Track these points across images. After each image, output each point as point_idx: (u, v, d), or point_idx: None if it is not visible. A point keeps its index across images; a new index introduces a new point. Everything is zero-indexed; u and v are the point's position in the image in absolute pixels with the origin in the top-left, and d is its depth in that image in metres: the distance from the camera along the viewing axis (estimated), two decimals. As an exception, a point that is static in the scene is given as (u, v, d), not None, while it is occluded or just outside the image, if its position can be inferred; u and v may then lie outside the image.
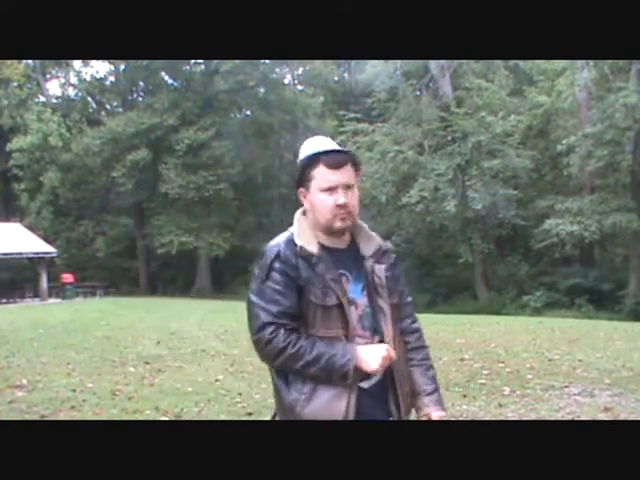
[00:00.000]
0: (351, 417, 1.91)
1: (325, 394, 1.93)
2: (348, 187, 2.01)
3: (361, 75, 31.65)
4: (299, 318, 1.98)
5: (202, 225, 33.50)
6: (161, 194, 33.22)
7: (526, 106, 28.28)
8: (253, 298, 2.02)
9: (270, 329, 1.94)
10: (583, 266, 26.48)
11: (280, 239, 2.05)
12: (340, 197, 1.99)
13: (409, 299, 2.24)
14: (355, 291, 2.06)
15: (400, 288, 2.18)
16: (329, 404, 1.92)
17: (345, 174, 2.01)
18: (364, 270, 2.07)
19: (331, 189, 1.99)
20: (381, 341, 2.05)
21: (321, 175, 2.00)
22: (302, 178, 2.06)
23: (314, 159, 2.02)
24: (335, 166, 1.99)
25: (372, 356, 1.94)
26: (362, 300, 2.06)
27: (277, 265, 1.98)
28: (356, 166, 2.06)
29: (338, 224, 2.01)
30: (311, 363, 1.91)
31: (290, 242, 2.02)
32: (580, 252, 27.19)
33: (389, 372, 2.05)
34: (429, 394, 2.12)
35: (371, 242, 2.14)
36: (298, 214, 2.12)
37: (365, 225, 2.17)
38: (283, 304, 1.96)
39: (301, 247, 1.99)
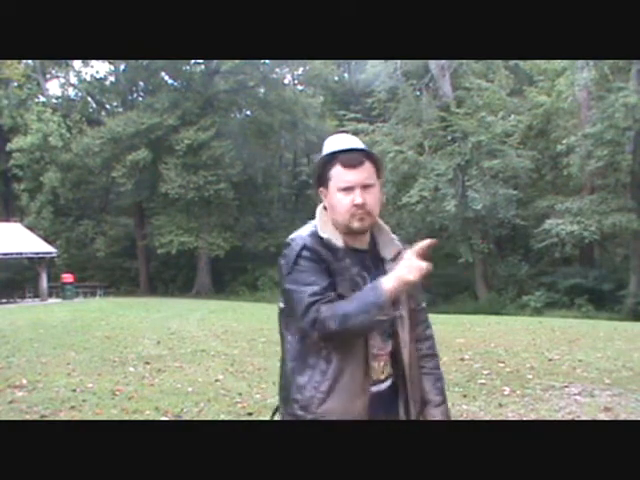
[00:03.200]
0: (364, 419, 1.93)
1: (343, 394, 1.92)
2: (366, 186, 1.96)
3: (361, 75, 31.64)
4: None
5: (202, 225, 33.53)
6: (161, 194, 33.24)
7: (526, 106, 28.27)
8: (289, 286, 1.94)
9: (314, 307, 1.87)
10: (583, 266, 26.47)
11: (303, 232, 2.02)
12: (357, 197, 1.95)
13: (423, 304, 2.22)
14: None
15: (417, 293, 2.17)
16: (345, 405, 1.92)
17: (362, 173, 1.96)
18: (383, 273, 1.98)
19: (348, 189, 1.95)
20: (395, 348, 2.05)
21: (338, 175, 1.97)
22: (321, 177, 2.03)
23: (331, 158, 1.99)
24: (351, 165, 1.96)
25: (408, 267, 1.85)
26: None
27: (305, 253, 1.94)
28: (376, 164, 2.01)
29: (356, 224, 1.97)
30: (350, 312, 1.84)
31: (314, 235, 1.99)
32: (580, 252, 27.19)
33: (401, 377, 2.06)
34: (437, 405, 2.13)
35: (392, 245, 2.10)
36: (320, 208, 2.08)
37: (386, 227, 2.12)
38: (320, 284, 1.90)
39: (327, 239, 1.97)
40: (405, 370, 2.05)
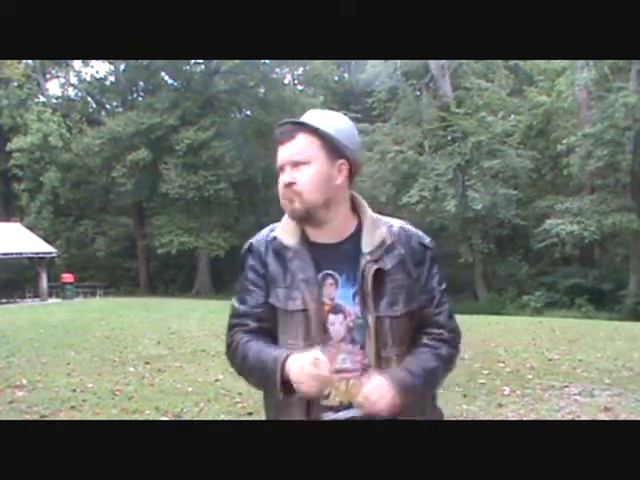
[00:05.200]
0: None
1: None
2: (297, 163, 1.63)
3: (361, 75, 31.67)
4: (269, 319, 1.70)
5: (202, 225, 33.57)
6: (161, 194, 33.31)
7: (526, 106, 28.32)
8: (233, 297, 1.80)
9: (232, 332, 1.73)
10: (583, 266, 26.51)
11: (265, 230, 1.79)
12: (285, 176, 1.64)
13: (441, 309, 1.73)
14: (345, 296, 1.66)
15: (422, 296, 1.70)
16: None
17: (292, 148, 1.64)
18: (359, 270, 1.65)
19: (281, 168, 1.66)
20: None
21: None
22: None
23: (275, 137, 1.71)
24: (281, 141, 1.67)
25: (299, 369, 1.54)
26: (353, 308, 1.65)
27: (249, 260, 1.75)
28: (323, 138, 1.65)
29: (287, 208, 1.67)
30: (249, 364, 1.66)
31: (269, 233, 1.76)
32: (580, 252, 27.22)
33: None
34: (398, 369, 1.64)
35: (374, 235, 1.68)
36: None
37: (373, 214, 1.74)
38: (249, 303, 1.72)
39: (274, 238, 1.71)
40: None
